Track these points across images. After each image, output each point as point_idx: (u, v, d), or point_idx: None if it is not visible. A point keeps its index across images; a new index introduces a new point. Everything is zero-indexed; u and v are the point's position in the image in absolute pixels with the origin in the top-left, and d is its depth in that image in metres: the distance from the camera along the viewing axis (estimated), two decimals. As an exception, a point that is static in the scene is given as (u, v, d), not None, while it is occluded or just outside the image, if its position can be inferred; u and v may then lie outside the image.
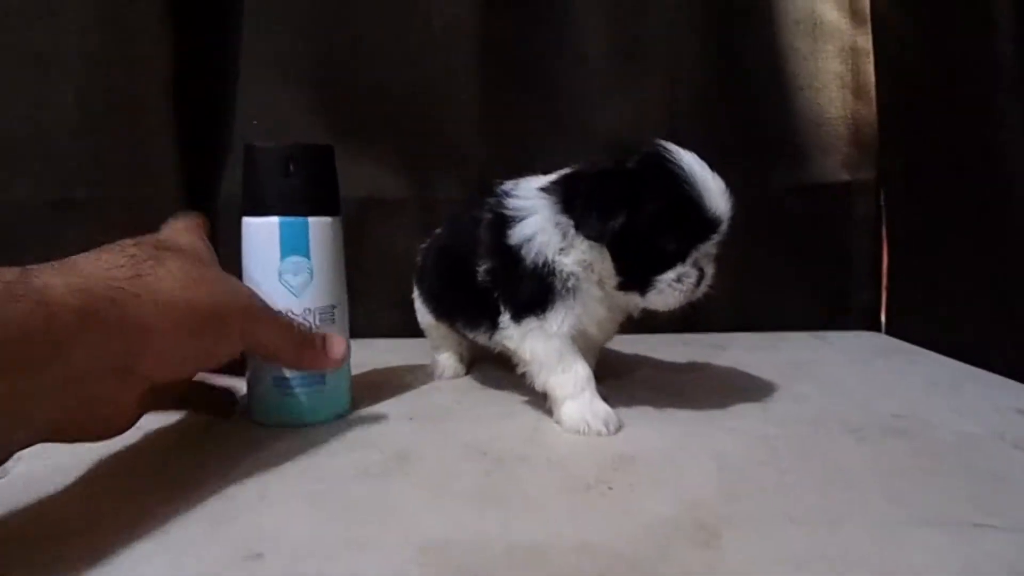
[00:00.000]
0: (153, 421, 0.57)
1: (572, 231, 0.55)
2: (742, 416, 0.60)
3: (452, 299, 0.67)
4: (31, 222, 0.89)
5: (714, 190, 0.53)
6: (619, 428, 0.56)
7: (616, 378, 0.69)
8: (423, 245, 0.73)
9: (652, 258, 0.54)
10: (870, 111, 0.94)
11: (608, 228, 0.52)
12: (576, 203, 0.54)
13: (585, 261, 0.56)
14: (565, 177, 0.58)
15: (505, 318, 0.58)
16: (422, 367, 0.75)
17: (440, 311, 0.69)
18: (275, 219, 0.55)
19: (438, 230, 0.72)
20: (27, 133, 0.88)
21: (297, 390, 0.57)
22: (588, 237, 0.54)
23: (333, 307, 0.58)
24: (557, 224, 0.56)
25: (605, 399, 0.58)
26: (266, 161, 0.56)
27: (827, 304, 0.96)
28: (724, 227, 0.55)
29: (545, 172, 0.60)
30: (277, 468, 0.49)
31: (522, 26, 0.91)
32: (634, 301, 0.57)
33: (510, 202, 0.58)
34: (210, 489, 0.45)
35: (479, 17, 0.90)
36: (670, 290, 0.55)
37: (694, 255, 0.55)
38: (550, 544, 0.38)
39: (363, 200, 0.90)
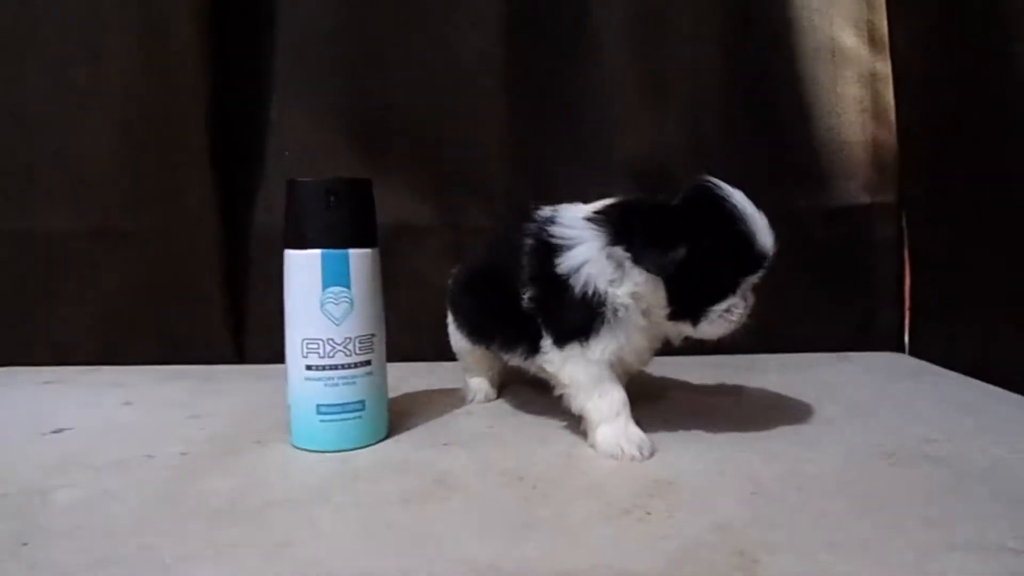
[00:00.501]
0: (193, 447, 0.59)
1: (627, 263, 0.56)
2: (774, 440, 0.60)
3: (488, 322, 0.68)
4: (70, 251, 0.92)
5: (762, 226, 0.56)
6: (652, 453, 0.57)
7: (648, 401, 0.70)
8: (455, 269, 0.74)
9: (706, 290, 0.56)
10: (890, 135, 0.95)
11: (669, 262, 0.54)
12: (634, 237, 0.56)
13: (637, 293, 0.57)
14: (614, 209, 0.59)
15: (547, 343, 0.60)
16: (454, 391, 0.76)
17: (475, 334, 0.70)
18: (317, 251, 0.57)
19: (471, 253, 0.73)
20: (68, 164, 0.91)
21: (338, 416, 0.58)
22: (649, 271, 0.55)
23: (372, 335, 0.60)
24: (609, 255, 0.57)
25: (638, 423, 0.59)
26: (307, 195, 0.58)
27: (851, 325, 0.97)
28: (769, 261, 0.57)
29: (583, 201, 0.61)
30: (321, 495, 0.51)
31: (547, 57, 0.93)
32: (682, 330, 0.59)
33: (555, 229, 0.59)
34: (255, 517, 0.47)
35: (505, 49, 0.92)
36: (720, 320, 0.57)
37: (743, 287, 0.57)
38: (593, 571, 0.39)
39: (391, 227, 0.91)
